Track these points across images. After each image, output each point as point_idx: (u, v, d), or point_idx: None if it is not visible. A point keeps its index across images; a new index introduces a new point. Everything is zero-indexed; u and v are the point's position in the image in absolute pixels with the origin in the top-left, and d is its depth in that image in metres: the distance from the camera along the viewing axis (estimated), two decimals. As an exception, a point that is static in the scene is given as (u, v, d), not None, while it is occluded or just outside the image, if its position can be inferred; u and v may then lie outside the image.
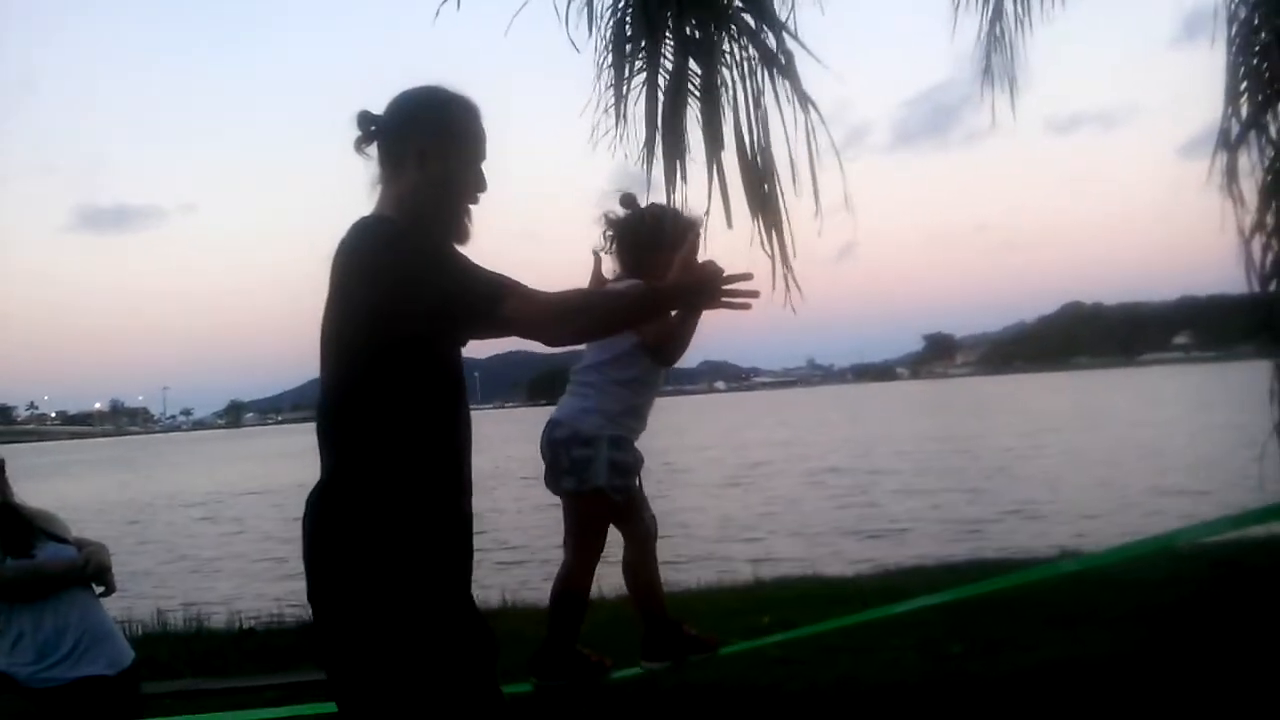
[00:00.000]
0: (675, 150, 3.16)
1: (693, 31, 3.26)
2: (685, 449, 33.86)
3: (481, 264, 2.10)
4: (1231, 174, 3.59)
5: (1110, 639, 4.61)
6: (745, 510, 18.30)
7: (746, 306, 2.32)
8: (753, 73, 3.28)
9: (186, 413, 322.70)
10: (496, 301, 2.03)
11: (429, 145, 2.14)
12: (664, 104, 3.24)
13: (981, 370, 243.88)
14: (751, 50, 3.29)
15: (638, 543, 3.38)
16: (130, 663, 3.75)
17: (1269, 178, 3.51)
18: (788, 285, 3.09)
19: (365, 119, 2.18)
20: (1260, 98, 3.34)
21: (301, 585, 2.10)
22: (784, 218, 3.26)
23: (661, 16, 3.22)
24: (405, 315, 2.01)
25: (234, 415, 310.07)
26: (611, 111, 3.26)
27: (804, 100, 3.18)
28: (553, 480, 3.27)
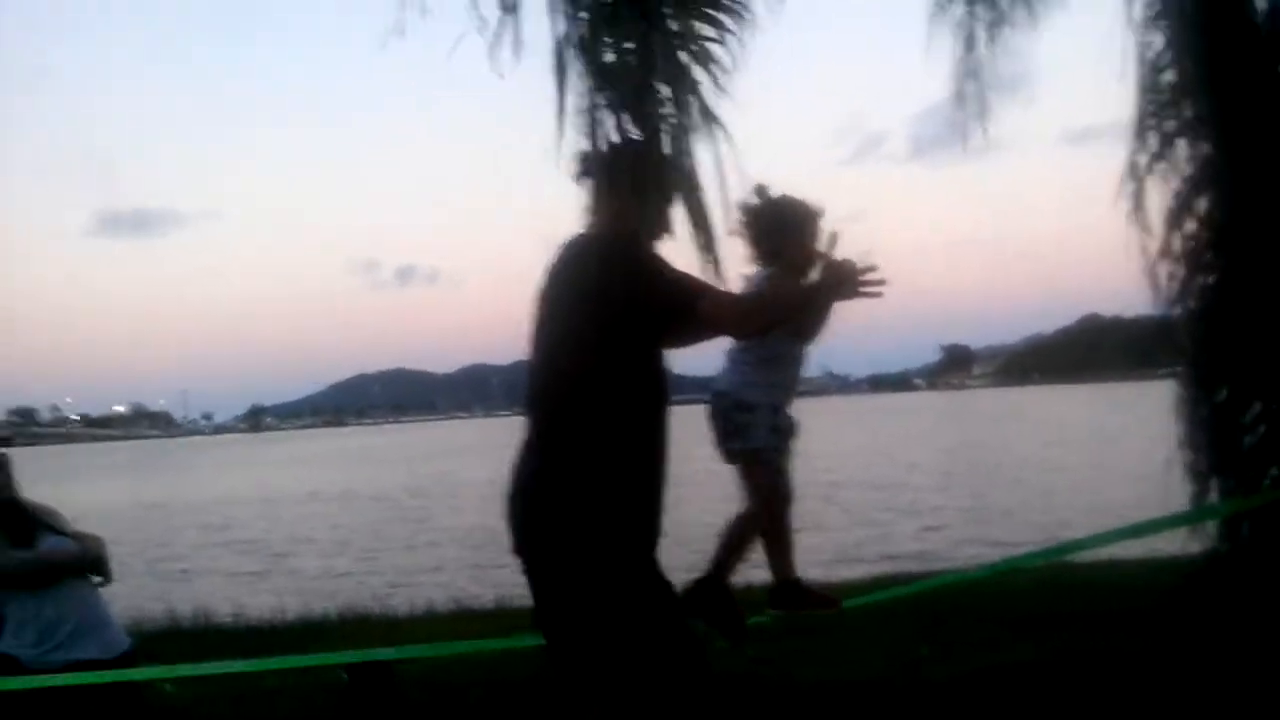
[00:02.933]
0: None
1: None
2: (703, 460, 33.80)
3: (675, 266, 2.51)
4: (1139, 203, 3.79)
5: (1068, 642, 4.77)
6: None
7: (879, 294, 2.65)
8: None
9: (207, 416, 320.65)
10: (694, 302, 2.45)
11: (638, 183, 2.64)
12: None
13: (999, 382, 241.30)
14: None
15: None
16: (125, 649, 3.96)
17: (1174, 207, 3.67)
18: None
19: (584, 156, 2.76)
20: (1165, 133, 3.51)
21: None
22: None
23: (597, 50, 3.45)
24: (628, 315, 2.40)
25: (255, 420, 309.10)
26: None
27: (709, 119, 3.40)
28: (721, 446, 3.41)
